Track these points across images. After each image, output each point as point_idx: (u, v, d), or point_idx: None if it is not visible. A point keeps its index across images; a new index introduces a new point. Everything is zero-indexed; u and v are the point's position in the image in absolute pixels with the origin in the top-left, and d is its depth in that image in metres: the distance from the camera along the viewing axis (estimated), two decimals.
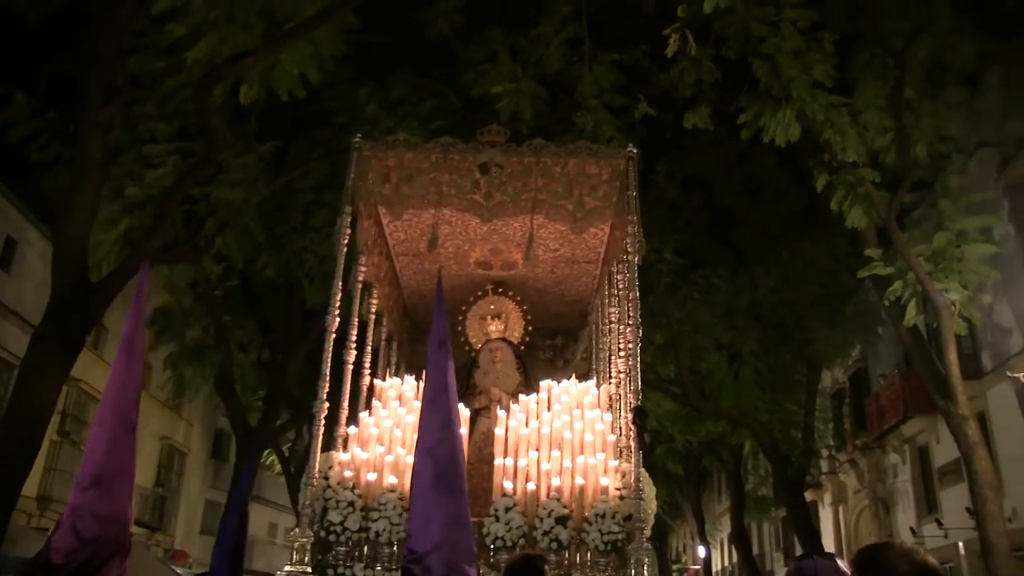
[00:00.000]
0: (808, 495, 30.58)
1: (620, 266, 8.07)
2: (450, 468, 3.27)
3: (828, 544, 31.05)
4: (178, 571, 20.58)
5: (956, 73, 13.64)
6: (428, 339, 3.75)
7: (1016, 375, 12.41)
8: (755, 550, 38.01)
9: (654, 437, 23.79)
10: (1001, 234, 19.20)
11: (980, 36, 13.32)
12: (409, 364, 10.13)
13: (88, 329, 12.09)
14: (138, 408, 3.43)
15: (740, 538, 28.72)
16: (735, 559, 37.12)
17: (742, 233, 18.80)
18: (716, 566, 45.61)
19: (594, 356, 9.92)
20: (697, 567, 41.63)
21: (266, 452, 21.36)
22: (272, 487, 36.63)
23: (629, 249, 7.59)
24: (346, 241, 7.61)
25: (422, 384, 8.62)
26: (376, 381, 8.73)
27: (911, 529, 25.00)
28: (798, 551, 24.46)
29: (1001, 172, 19.34)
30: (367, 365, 8.81)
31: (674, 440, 24.32)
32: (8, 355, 20.04)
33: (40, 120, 12.65)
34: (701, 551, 37.73)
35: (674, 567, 49.39)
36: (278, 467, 23.15)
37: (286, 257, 15.52)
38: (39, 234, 20.89)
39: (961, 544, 19.76)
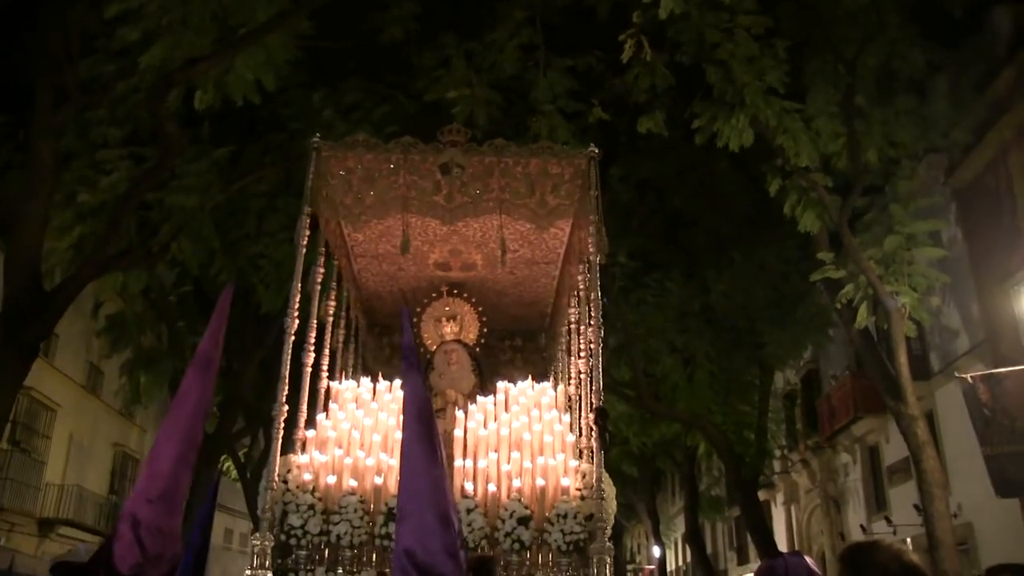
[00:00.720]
0: (761, 495, 30.84)
1: (581, 267, 8.12)
2: (434, 487, 3.27)
3: (781, 542, 31.34)
4: None
5: (905, 81, 13.84)
6: (400, 355, 3.77)
7: (963, 376, 12.59)
8: (709, 549, 38.27)
9: (610, 439, 23.81)
10: (949, 237, 19.52)
11: (928, 45, 13.54)
12: (367, 367, 10.15)
13: (43, 337, 11.96)
14: (203, 426, 3.45)
15: (694, 538, 28.99)
16: (689, 559, 37.40)
17: (695, 237, 18.94)
18: (671, 566, 45.90)
19: (553, 357, 10.03)
20: (652, 567, 41.86)
21: (222, 458, 21.19)
22: (228, 493, 36.31)
23: (591, 249, 7.60)
24: (305, 242, 7.55)
25: (380, 387, 8.66)
26: (332, 384, 8.71)
27: (861, 527, 25.34)
28: (752, 550, 24.73)
29: (948, 177, 19.67)
30: (324, 368, 8.76)
31: (629, 442, 24.44)
32: None
33: None
34: (656, 551, 37.95)
35: (629, 567, 49.68)
36: (234, 473, 23.01)
37: (241, 263, 15.40)
38: None
39: (909, 540, 20.01)
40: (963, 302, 19.60)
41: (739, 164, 15.53)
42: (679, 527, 35.98)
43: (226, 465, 20.32)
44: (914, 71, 13.55)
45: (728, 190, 17.36)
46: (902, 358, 13.73)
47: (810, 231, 14.28)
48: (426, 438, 3.32)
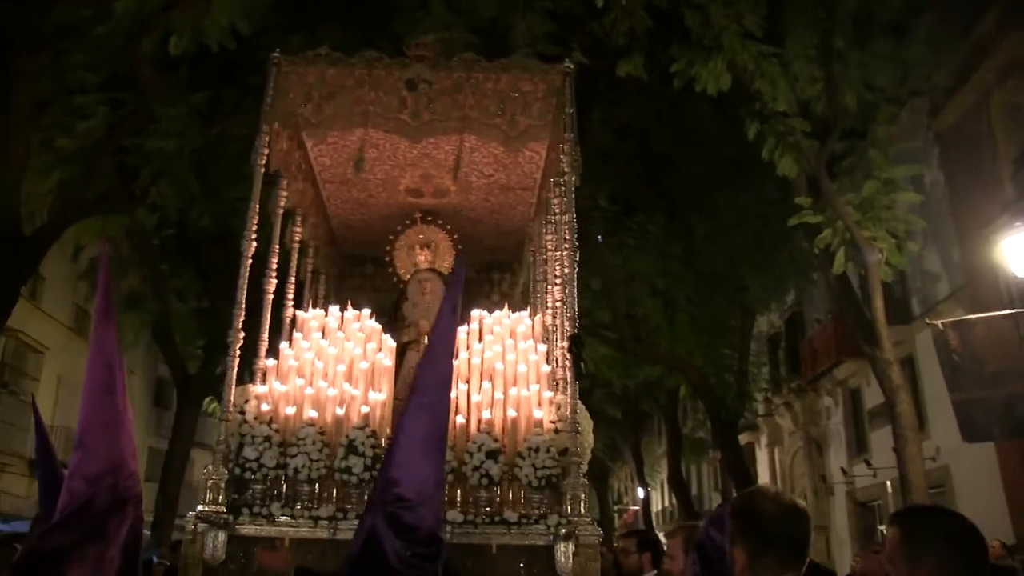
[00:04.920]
0: (745, 437, 31.20)
1: (556, 189, 7.70)
2: (441, 430, 3.30)
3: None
4: None
5: (884, 24, 13.81)
6: (444, 297, 3.77)
7: (933, 322, 12.71)
8: (694, 491, 38.75)
9: (592, 381, 24.11)
10: (931, 181, 19.60)
11: None
12: (337, 297, 9.56)
13: (22, 281, 12.03)
14: (115, 371, 3.53)
15: (677, 480, 29.27)
16: (674, 500, 37.84)
17: (676, 180, 18.90)
18: (656, 507, 46.40)
19: (531, 288, 9.53)
20: (636, 508, 42.35)
21: (207, 400, 21.32)
22: (213, 433, 36.66)
23: (566, 169, 7.28)
24: (263, 162, 7.16)
25: (348, 315, 8.11)
26: (298, 312, 8.25)
27: (842, 469, 25.67)
28: (735, 492, 25.02)
29: (931, 121, 19.69)
30: (290, 296, 8.41)
31: (611, 384, 24.63)
32: None
33: None
34: (640, 493, 38.36)
35: (615, 508, 50.27)
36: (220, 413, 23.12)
37: (221, 206, 15.41)
38: None
39: (888, 483, 20.34)
40: (944, 247, 19.71)
41: (719, 107, 15.47)
42: (664, 469, 36.35)
43: (212, 406, 20.43)
44: (893, 13, 13.51)
45: (709, 133, 17.32)
46: (878, 303, 13.81)
47: (788, 176, 14.29)
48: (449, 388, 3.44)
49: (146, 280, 19.26)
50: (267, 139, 7.23)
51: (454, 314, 3.68)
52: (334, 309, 8.20)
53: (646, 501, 38.01)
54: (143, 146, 13.04)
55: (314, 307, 8.76)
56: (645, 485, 37.88)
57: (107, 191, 12.76)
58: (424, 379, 3.41)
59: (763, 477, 32.21)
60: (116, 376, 3.49)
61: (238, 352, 6.68)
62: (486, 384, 7.08)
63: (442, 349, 3.54)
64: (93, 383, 3.47)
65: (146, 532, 19.77)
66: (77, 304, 28.60)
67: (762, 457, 33.45)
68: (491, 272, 10.57)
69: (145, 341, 21.65)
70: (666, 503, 46.63)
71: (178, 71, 13.32)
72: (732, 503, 3.06)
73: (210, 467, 6.36)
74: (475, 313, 8.18)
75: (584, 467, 6.49)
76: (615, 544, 13.84)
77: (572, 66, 7.57)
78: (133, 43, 10.87)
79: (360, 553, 3.05)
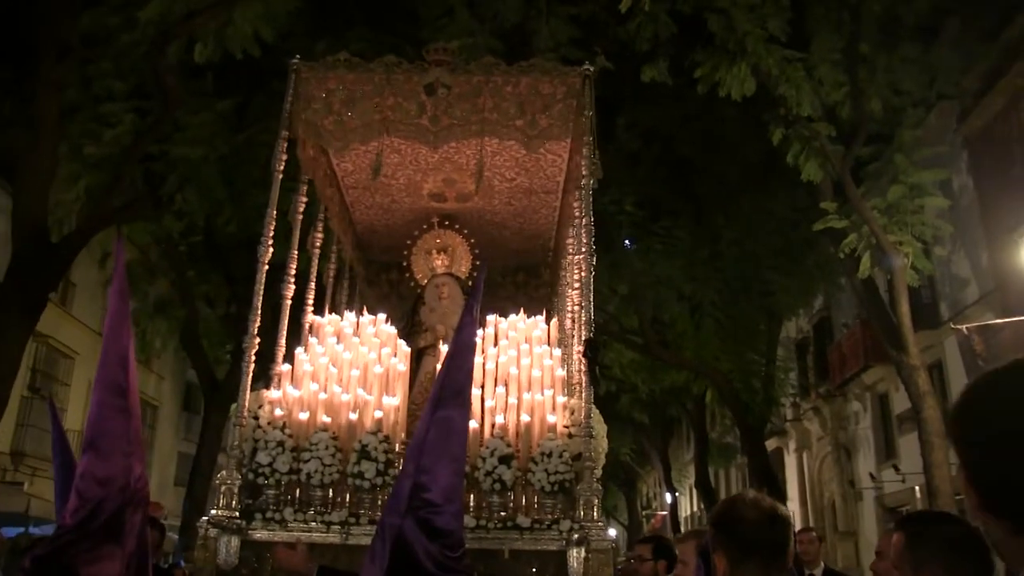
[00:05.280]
0: (773, 442, 31.09)
1: (576, 192, 7.60)
2: (462, 435, 3.31)
3: (792, 490, 31.64)
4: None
5: (911, 28, 13.74)
6: (466, 304, 3.75)
7: (958, 327, 12.62)
8: (722, 496, 38.56)
9: (619, 386, 24.09)
10: (960, 185, 19.47)
11: None
12: (363, 303, 9.47)
13: (52, 288, 12.16)
14: (126, 371, 3.54)
15: (704, 485, 29.17)
16: (702, 505, 37.70)
17: (702, 185, 18.86)
18: (684, 512, 46.27)
19: (555, 293, 9.50)
20: (664, 513, 42.20)
21: (234, 405, 21.45)
22: None
23: (584, 172, 7.16)
24: (282, 167, 7.14)
25: (363, 320, 8.04)
26: (315, 317, 8.20)
27: (871, 475, 25.51)
28: None
29: (960, 125, 19.54)
30: (310, 301, 8.34)
31: (638, 389, 24.56)
32: None
33: None
34: (668, 498, 38.24)
35: (643, 513, 50.14)
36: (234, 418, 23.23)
37: (248, 212, 15.51)
38: (1, 191, 20.83)
39: (917, 488, 20.21)
40: (973, 251, 19.56)
41: (745, 112, 15.45)
42: (692, 474, 36.23)
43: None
44: (920, 17, 13.44)
45: (735, 137, 17.26)
46: (903, 308, 13.75)
47: (813, 180, 14.24)
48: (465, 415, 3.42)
49: (174, 286, 19.41)
50: (285, 144, 7.22)
51: (474, 322, 3.64)
52: (350, 314, 8.17)
53: (674, 506, 37.89)
54: (169, 153, 13.15)
55: (338, 313, 8.67)
56: (673, 490, 37.78)
57: (134, 198, 12.87)
58: (448, 386, 3.38)
59: (791, 482, 32.06)
60: (128, 377, 3.51)
61: (253, 358, 6.64)
62: (500, 389, 6.98)
63: (465, 356, 3.52)
64: (102, 383, 3.48)
65: (173, 536, 19.97)
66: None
67: (790, 462, 33.28)
68: (516, 275, 10.42)
69: (173, 346, 21.82)
70: (694, 508, 46.41)
71: (205, 78, 13.43)
72: (712, 512, 3.09)
73: (223, 472, 6.33)
74: (490, 318, 8.10)
75: (598, 472, 6.39)
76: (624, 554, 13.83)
77: (592, 68, 7.46)
78: (157, 52, 10.96)
79: (392, 557, 3.05)
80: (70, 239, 11.77)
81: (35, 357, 24.66)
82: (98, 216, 11.91)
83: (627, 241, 18.88)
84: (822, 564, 8.65)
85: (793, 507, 29.22)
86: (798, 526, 25.48)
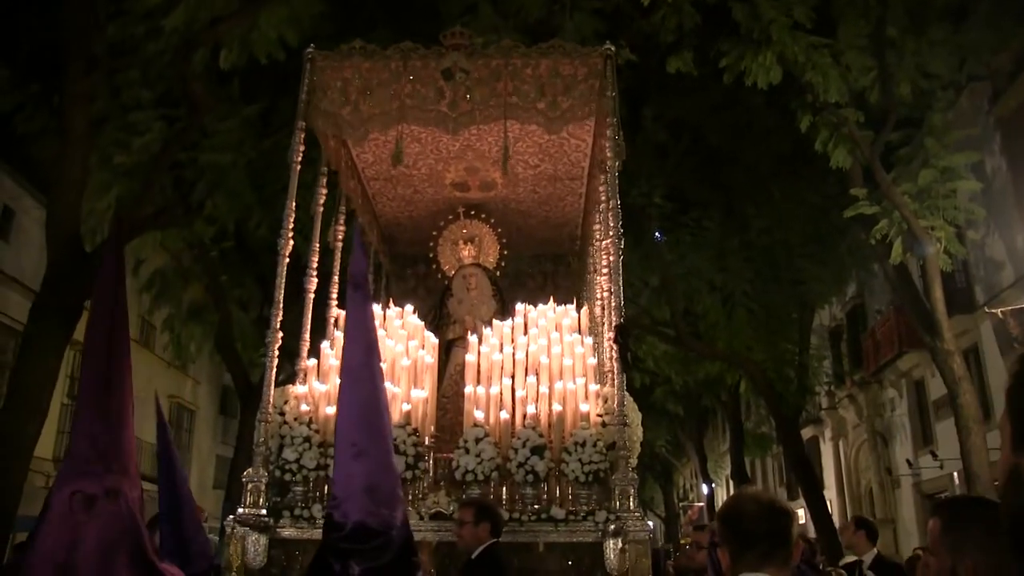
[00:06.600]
0: (809, 431, 30.91)
1: (602, 176, 7.48)
2: (369, 423, 2.98)
3: (829, 478, 31.48)
4: None
5: (939, 9, 13.60)
6: (348, 277, 3.34)
7: (993, 310, 12.50)
8: (759, 486, 38.42)
9: (653, 378, 24.04)
10: (992, 168, 19.26)
11: None
12: (393, 298, 9.37)
13: (85, 297, 12.27)
14: (119, 367, 3.43)
15: (740, 475, 29.11)
16: None
17: (732, 174, 18.74)
18: (720, 502, 46.08)
19: (583, 280, 9.36)
20: (701, 504, 42.09)
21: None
22: None
23: (608, 154, 7.06)
24: (299, 159, 7.12)
25: (390, 313, 8.02)
26: (340, 311, 8.01)
27: (908, 461, 25.35)
28: (799, 486, 24.77)
29: (992, 106, 19.34)
30: (334, 295, 8.30)
31: (672, 381, 24.48)
32: (11, 321, 20.27)
33: (22, 93, 12.71)
34: (704, 489, 38.17)
35: (680, 504, 50.03)
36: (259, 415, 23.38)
37: (278, 215, 15.55)
38: (35, 202, 20.95)
39: (955, 474, 20.03)
40: (1008, 234, 19.33)
41: (774, 100, 15.37)
42: (728, 464, 36.11)
43: None
44: None
45: (764, 126, 17.16)
46: (937, 293, 13.65)
47: (842, 167, 14.14)
48: (378, 373, 3.23)
49: (207, 291, 19.52)
50: (302, 136, 7.16)
51: (358, 291, 3.17)
52: (376, 307, 7.95)
53: (710, 497, 37.77)
54: (198, 160, 13.24)
55: None
56: (709, 481, 37.68)
57: (165, 205, 12.97)
58: (345, 363, 3.12)
59: (828, 470, 31.89)
60: (119, 370, 3.32)
61: (277, 353, 6.60)
62: (531, 378, 6.91)
63: (357, 328, 3.12)
64: (89, 380, 3.28)
65: (214, 538, 20.11)
66: (143, 316, 29.10)
67: (827, 450, 33.09)
68: (543, 264, 10.38)
69: (208, 351, 21.95)
70: None
71: (231, 84, 13.50)
72: (719, 508, 3.14)
73: (250, 470, 6.26)
74: (519, 307, 8.05)
75: (633, 461, 6.29)
76: (681, 540, 13.70)
77: (613, 48, 7.37)
78: (183, 59, 11.03)
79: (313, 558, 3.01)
80: (103, 248, 11.88)
81: (73, 365, 24.89)
82: (130, 224, 12.00)
83: (657, 233, 18.82)
84: (874, 551, 8.21)
85: (830, 495, 29.00)
86: (835, 515, 25.39)
